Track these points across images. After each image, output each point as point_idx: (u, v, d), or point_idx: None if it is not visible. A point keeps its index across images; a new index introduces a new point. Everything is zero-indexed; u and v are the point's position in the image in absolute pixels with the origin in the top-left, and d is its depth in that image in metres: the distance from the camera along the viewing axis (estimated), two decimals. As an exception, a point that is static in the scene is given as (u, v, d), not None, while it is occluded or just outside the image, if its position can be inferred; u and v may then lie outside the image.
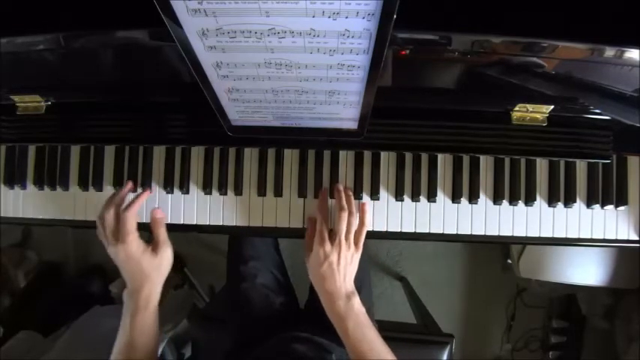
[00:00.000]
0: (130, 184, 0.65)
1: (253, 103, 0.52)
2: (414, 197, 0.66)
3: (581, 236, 0.66)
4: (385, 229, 0.67)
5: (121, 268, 0.59)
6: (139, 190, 0.68)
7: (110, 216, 0.58)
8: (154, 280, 0.59)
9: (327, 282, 0.59)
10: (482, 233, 0.66)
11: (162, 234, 0.61)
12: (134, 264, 0.58)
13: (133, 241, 0.57)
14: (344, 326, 0.57)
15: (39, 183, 0.69)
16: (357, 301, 0.59)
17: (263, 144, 0.66)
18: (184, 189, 0.68)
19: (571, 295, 1.43)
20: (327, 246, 0.59)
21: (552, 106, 0.61)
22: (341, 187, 0.65)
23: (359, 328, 0.57)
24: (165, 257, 0.61)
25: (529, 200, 0.66)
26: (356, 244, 0.61)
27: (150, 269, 0.59)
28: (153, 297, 0.59)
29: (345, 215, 0.61)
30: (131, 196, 0.65)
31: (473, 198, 0.66)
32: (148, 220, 0.64)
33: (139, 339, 0.57)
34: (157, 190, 0.68)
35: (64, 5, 0.51)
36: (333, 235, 0.61)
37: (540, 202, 0.66)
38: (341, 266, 0.59)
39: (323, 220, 0.62)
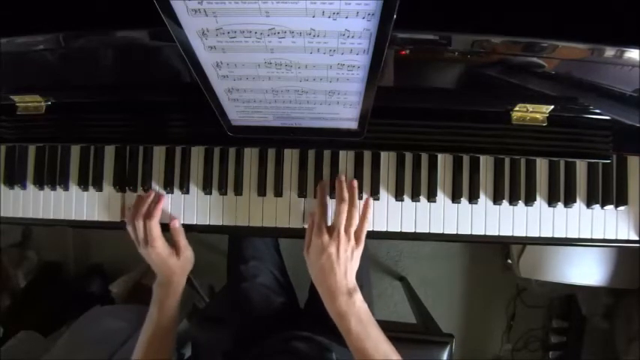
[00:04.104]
0: (152, 193, 0.68)
1: (253, 103, 0.52)
2: (414, 197, 0.66)
3: (581, 236, 0.66)
4: (385, 229, 0.67)
5: (152, 264, 0.67)
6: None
7: (140, 225, 0.64)
8: (179, 275, 0.67)
9: (327, 277, 0.58)
10: (482, 233, 0.66)
11: (182, 240, 0.68)
12: (162, 263, 0.66)
13: (160, 245, 0.65)
14: (345, 324, 0.56)
15: (39, 183, 0.69)
16: (358, 297, 0.57)
17: (263, 144, 0.66)
18: (184, 189, 0.68)
19: (571, 295, 1.43)
20: (325, 237, 0.58)
21: (552, 106, 0.61)
22: (343, 178, 0.64)
23: (361, 326, 0.55)
24: (187, 258, 0.69)
25: (529, 200, 0.66)
26: (357, 239, 0.60)
27: (175, 268, 0.67)
28: (180, 286, 0.68)
29: (345, 207, 0.59)
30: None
31: (473, 198, 0.66)
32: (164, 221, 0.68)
33: (165, 322, 0.65)
34: (157, 190, 0.68)
35: (64, 5, 0.51)
36: (331, 228, 0.60)
37: (540, 202, 0.66)
38: (341, 260, 0.57)
39: (322, 213, 0.61)
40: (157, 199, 0.67)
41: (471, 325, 1.52)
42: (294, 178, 0.68)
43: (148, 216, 0.64)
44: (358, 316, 0.56)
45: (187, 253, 0.68)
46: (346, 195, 0.61)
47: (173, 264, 0.66)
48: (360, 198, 0.66)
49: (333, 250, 0.57)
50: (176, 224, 0.67)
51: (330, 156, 0.67)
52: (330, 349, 0.70)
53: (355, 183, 0.64)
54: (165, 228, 0.67)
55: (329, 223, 0.62)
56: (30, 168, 0.70)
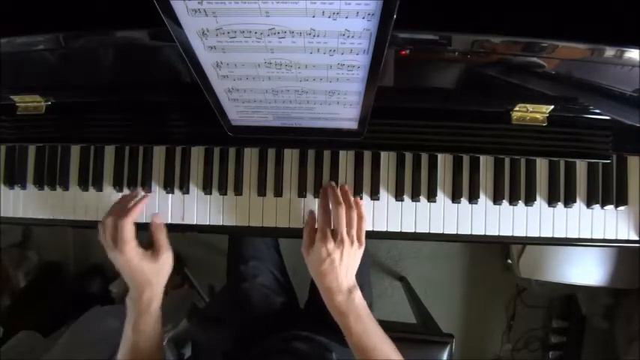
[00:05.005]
0: (138, 193, 0.65)
1: (253, 103, 0.52)
2: (414, 197, 0.66)
3: (581, 236, 0.66)
4: (385, 229, 0.67)
5: (122, 272, 0.60)
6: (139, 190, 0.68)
7: (109, 223, 0.59)
8: (154, 284, 0.60)
9: (328, 278, 0.58)
10: (482, 233, 0.66)
11: (162, 239, 0.62)
12: (134, 269, 0.59)
13: (131, 249, 0.58)
14: (345, 321, 0.56)
15: (39, 183, 0.69)
16: (358, 295, 0.58)
17: (263, 144, 0.66)
18: (184, 189, 0.68)
19: (571, 295, 1.43)
20: (330, 244, 0.57)
21: (552, 106, 0.61)
22: (333, 183, 0.65)
23: (361, 322, 0.56)
24: (166, 262, 0.61)
25: (529, 200, 0.66)
26: (358, 239, 0.59)
27: (150, 274, 0.59)
28: (154, 300, 0.60)
29: (343, 210, 0.59)
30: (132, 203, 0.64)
31: (473, 198, 0.66)
32: (148, 220, 0.64)
33: (143, 342, 0.58)
34: (157, 190, 0.68)
35: (64, 5, 0.51)
36: (334, 233, 0.59)
37: (540, 202, 0.66)
38: (343, 262, 0.58)
39: (325, 217, 0.60)
40: (140, 198, 0.63)
41: (470, 325, 1.52)
42: (294, 178, 0.68)
43: (121, 214, 0.58)
44: (357, 313, 0.57)
45: (166, 256, 0.61)
46: (341, 198, 0.61)
47: (148, 269, 0.59)
48: (360, 198, 0.66)
49: (337, 255, 0.57)
50: (157, 220, 0.63)
51: (330, 156, 0.67)
52: (330, 349, 0.70)
53: (347, 187, 0.64)
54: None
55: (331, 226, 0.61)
56: (30, 168, 0.70)
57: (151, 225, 0.63)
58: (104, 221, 0.59)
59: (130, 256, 0.58)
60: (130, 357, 0.58)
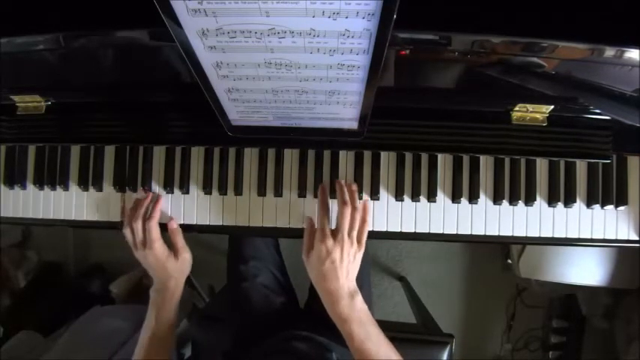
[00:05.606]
0: (150, 195, 0.67)
1: (253, 103, 0.52)
2: (414, 197, 0.66)
3: (581, 236, 0.66)
4: (385, 229, 0.67)
5: (149, 268, 0.66)
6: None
7: (139, 227, 0.64)
8: (177, 279, 0.66)
9: (329, 281, 0.58)
10: (482, 233, 0.66)
11: (179, 241, 0.67)
12: (160, 266, 0.65)
13: (159, 247, 0.64)
14: (347, 327, 0.56)
15: (39, 183, 0.69)
16: (359, 299, 0.58)
17: (263, 144, 0.66)
18: (184, 189, 0.68)
19: (571, 295, 1.43)
20: (330, 242, 0.58)
21: (552, 106, 0.60)
22: (343, 182, 0.65)
23: (362, 328, 0.56)
24: (186, 260, 0.68)
25: (529, 200, 0.66)
26: (359, 241, 0.60)
27: (173, 271, 0.66)
28: (177, 290, 0.66)
29: (348, 211, 0.60)
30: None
31: (473, 198, 0.66)
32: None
33: (164, 328, 0.64)
34: (157, 190, 0.68)
35: (65, 5, 0.51)
36: (335, 231, 0.60)
37: (540, 202, 0.66)
38: (344, 264, 0.58)
39: (323, 217, 0.61)
40: (155, 199, 0.67)
41: (470, 325, 1.52)
42: (294, 178, 0.68)
43: (148, 217, 0.64)
44: (359, 318, 0.57)
45: (185, 255, 0.67)
46: (348, 198, 0.61)
47: (171, 267, 0.65)
48: (360, 198, 0.66)
49: (337, 255, 0.58)
50: (174, 225, 0.67)
51: (330, 156, 0.67)
52: (330, 349, 0.70)
53: (355, 187, 0.64)
54: (164, 228, 0.66)
55: (332, 226, 0.62)
56: (30, 168, 0.70)
57: (168, 231, 0.67)
58: (131, 226, 0.64)
59: (157, 253, 0.64)
60: (151, 339, 0.64)
